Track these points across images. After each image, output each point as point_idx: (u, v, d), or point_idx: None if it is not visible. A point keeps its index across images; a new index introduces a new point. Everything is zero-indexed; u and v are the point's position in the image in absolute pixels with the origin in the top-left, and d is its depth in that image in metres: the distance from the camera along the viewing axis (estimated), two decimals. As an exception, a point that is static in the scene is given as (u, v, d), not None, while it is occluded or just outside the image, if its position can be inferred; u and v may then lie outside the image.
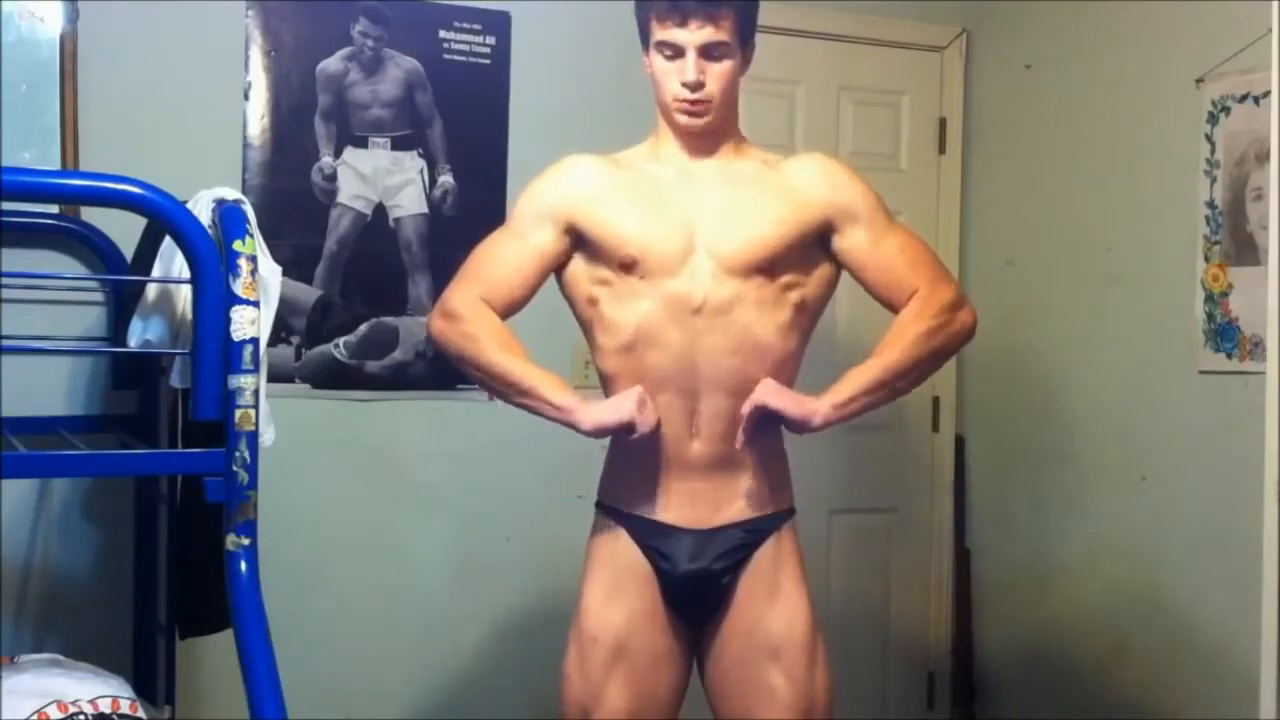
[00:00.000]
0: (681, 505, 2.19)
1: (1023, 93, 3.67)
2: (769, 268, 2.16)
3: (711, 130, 2.19)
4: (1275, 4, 2.33)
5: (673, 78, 2.14)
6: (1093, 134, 3.42)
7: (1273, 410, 2.29)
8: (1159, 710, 3.16)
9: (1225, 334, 3.01)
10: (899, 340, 2.17)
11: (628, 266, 2.16)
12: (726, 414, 2.15)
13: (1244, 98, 2.96)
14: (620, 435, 2.15)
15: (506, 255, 2.25)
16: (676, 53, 2.12)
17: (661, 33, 2.13)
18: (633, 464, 2.22)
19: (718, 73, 2.13)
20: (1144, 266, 3.25)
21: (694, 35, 2.10)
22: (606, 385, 2.25)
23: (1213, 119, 3.04)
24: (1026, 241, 3.65)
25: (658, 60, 2.16)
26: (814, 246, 2.21)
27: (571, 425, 2.14)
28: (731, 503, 2.20)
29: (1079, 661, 3.43)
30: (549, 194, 2.25)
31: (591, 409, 2.13)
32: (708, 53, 2.12)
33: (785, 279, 2.18)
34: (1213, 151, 3.04)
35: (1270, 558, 2.31)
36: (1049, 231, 3.57)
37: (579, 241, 2.22)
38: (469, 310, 2.21)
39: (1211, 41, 3.02)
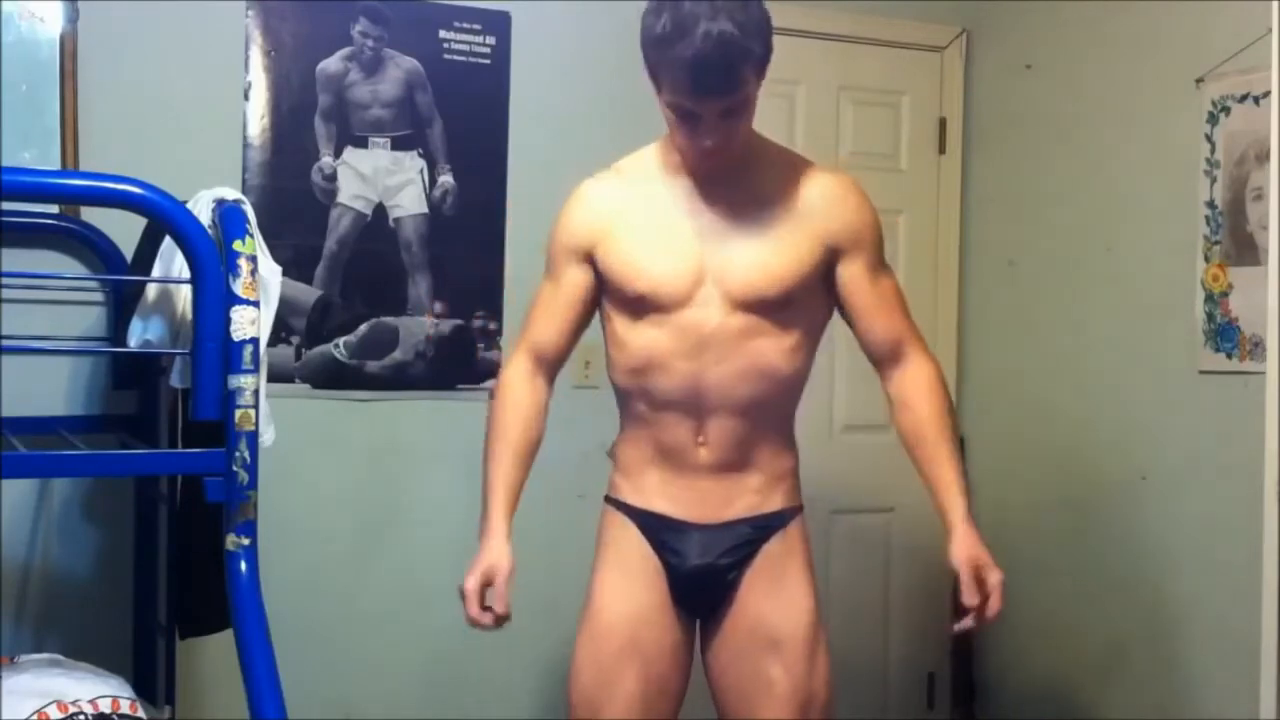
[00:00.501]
0: (690, 501, 2.20)
1: (1023, 93, 3.67)
2: (779, 302, 2.14)
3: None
4: (1275, 4, 2.33)
5: (686, 132, 2.06)
6: (1093, 134, 3.42)
7: (1273, 410, 2.30)
8: (1159, 711, 3.16)
9: (1225, 334, 3.01)
10: (932, 430, 2.17)
11: (634, 305, 2.16)
12: (734, 429, 2.17)
13: (1244, 98, 2.96)
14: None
15: (548, 302, 2.26)
16: (692, 117, 2.03)
17: (673, 97, 2.01)
18: (642, 462, 2.23)
19: (736, 124, 2.05)
20: (1144, 266, 3.25)
21: (713, 106, 1.99)
22: (619, 398, 2.27)
23: (1213, 119, 3.04)
24: (1026, 241, 3.65)
25: (669, 112, 2.06)
26: (822, 276, 2.18)
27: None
28: (740, 498, 2.20)
29: (1079, 661, 3.43)
30: (570, 228, 2.23)
31: (478, 561, 2.14)
32: (726, 113, 2.01)
33: (794, 307, 2.16)
34: (1213, 151, 3.04)
35: (1270, 558, 2.32)
36: (1049, 231, 3.57)
37: (598, 270, 2.21)
38: (512, 382, 2.26)
39: (1211, 41, 3.02)
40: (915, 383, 2.19)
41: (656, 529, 2.21)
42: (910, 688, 3.85)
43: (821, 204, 2.16)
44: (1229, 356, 2.99)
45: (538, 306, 2.29)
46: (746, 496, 2.20)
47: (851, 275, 2.18)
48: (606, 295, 2.22)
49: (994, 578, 2.10)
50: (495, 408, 2.29)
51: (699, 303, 2.13)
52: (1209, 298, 3.05)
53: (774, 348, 2.15)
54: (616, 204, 2.20)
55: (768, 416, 2.20)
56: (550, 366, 2.28)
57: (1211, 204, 3.04)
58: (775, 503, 2.22)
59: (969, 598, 2.08)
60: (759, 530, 2.21)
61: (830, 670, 2.23)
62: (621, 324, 2.20)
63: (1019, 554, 3.67)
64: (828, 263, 2.17)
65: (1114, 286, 3.34)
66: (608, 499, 2.30)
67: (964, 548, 2.11)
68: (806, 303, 2.18)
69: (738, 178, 2.15)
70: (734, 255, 2.13)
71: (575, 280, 2.22)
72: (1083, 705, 3.41)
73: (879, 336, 2.20)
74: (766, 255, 2.12)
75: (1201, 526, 3.07)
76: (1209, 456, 3.04)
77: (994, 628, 3.76)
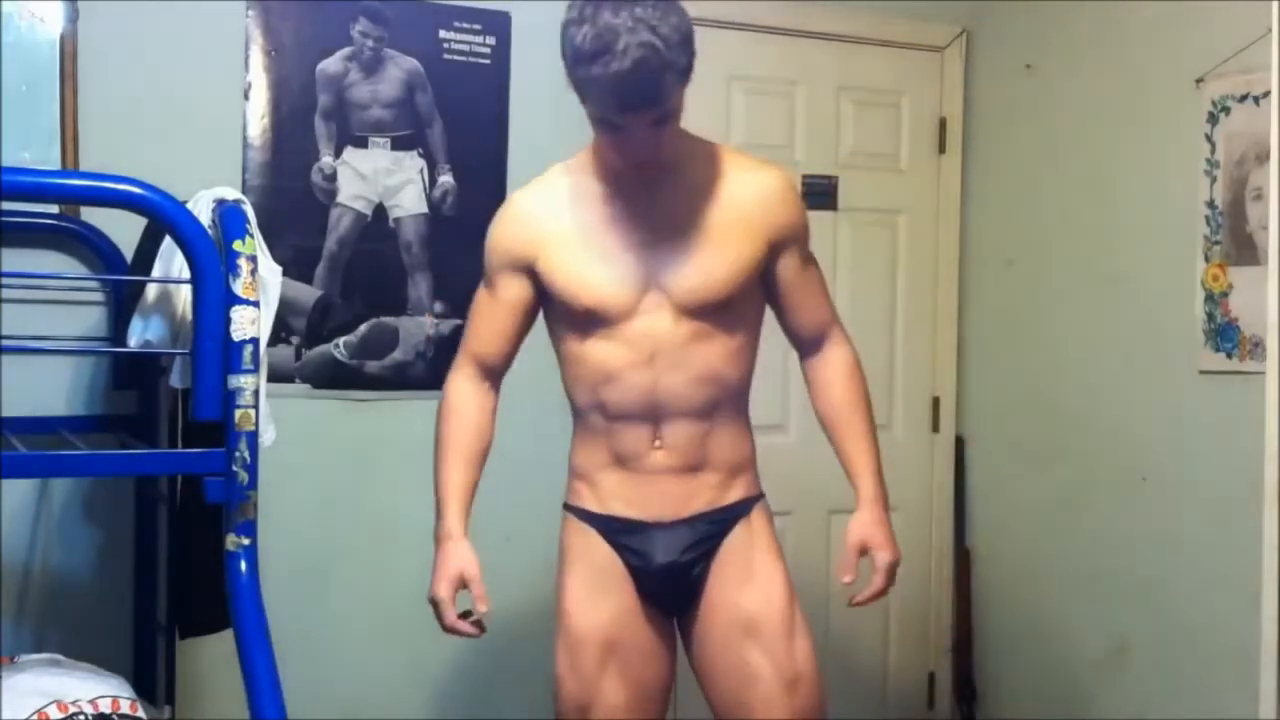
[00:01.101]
0: (649, 502, 2.20)
1: (1023, 93, 3.67)
2: (724, 305, 2.14)
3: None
4: (1275, 4, 2.33)
5: (613, 143, 2.05)
6: (1093, 134, 3.42)
7: (1273, 410, 2.29)
8: (1158, 711, 3.16)
9: (1225, 334, 3.01)
10: (849, 413, 2.26)
11: (582, 320, 2.15)
12: (690, 431, 2.17)
13: (1244, 98, 2.96)
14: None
15: (487, 312, 2.27)
16: (619, 129, 2.00)
17: (598, 111, 2.00)
18: (599, 467, 2.23)
19: (664, 132, 2.03)
20: (1144, 266, 3.25)
21: (639, 120, 1.98)
22: (574, 410, 2.26)
23: (1213, 119, 3.04)
24: (1026, 241, 3.65)
25: (596, 124, 2.05)
26: (762, 273, 2.19)
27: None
28: (699, 495, 2.21)
29: (1079, 662, 3.43)
30: (504, 242, 2.23)
31: (443, 566, 2.25)
32: (653, 123, 1.99)
33: (738, 307, 2.16)
34: (1213, 151, 3.04)
35: (1270, 558, 2.31)
36: (1049, 231, 3.57)
37: (538, 283, 2.20)
38: (458, 391, 2.28)
39: (1211, 41, 3.02)
40: (835, 367, 2.28)
41: (617, 532, 2.21)
42: (910, 688, 3.85)
43: (761, 202, 2.16)
44: (1229, 356, 2.99)
45: (478, 316, 2.29)
46: (705, 493, 2.21)
47: (786, 269, 2.20)
48: (552, 312, 2.22)
49: (882, 559, 2.22)
50: (443, 418, 2.29)
51: (645, 311, 2.12)
52: (1209, 298, 3.05)
53: (722, 350, 2.16)
54: (551, 215, 2.18)
55: (721, 415, 2.20)
56: (496, 373, 2.29)
57: (1211, 204, 3.04)
58: (734, 494, 2.23)
59: (843, 572, 2.20)
60: (719, 524, 2.22)
61: (814, 648, 2.24)
62: (574, 342, 2.19)
63: (1019, 553, 3.68)
64: (769, 260, 2.18)
65: (1114, 286, 3.34)
66: (566, 506, 2.30)
67: (859, 527, 2.24)
68: (748, 301, 2.19)
69: (669, 179, 2.13)
70: (677, 260, 2.12)
71: (514, 293, 2.22)
72: (1083, 705, 3.41)
73: (807, 324, 2.26)
74: (710, 258, 2.12)
75: (1201, 526, 3.07)
76: (1209, 456, 3.04)
77: (994, 628, 3.79)
